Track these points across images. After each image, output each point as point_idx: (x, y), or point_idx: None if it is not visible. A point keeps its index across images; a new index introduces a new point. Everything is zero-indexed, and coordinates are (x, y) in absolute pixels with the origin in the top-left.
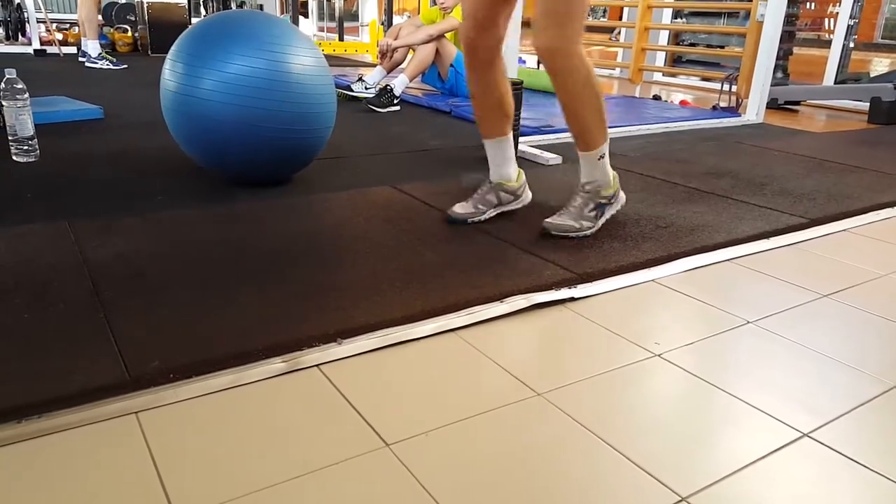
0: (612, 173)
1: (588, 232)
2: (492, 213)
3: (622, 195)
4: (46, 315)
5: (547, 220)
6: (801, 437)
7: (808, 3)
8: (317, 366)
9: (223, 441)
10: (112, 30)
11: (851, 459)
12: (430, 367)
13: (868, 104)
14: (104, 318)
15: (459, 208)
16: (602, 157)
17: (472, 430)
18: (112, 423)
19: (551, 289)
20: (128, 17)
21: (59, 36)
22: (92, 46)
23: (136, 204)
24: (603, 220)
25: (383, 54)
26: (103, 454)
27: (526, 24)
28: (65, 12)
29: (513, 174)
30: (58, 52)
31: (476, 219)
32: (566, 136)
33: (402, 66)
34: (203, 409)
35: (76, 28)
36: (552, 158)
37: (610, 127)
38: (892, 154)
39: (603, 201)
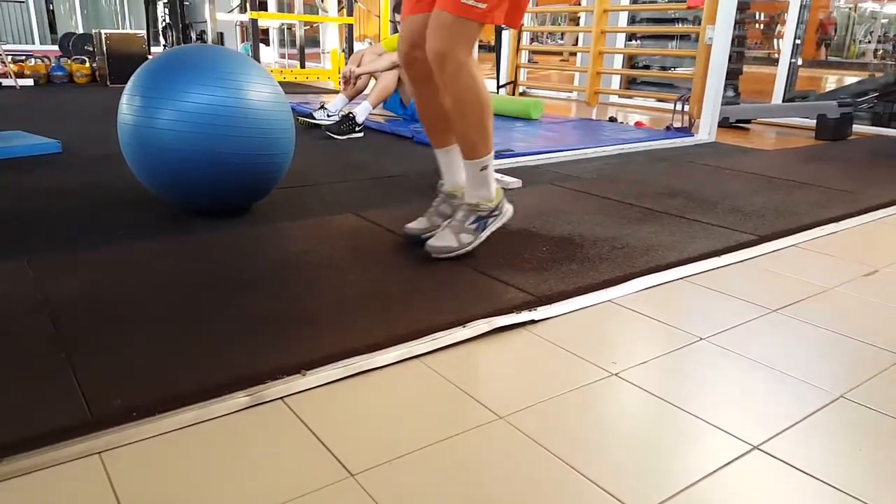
0: (495, 186)
1: (469, 248)
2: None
3: (508, 208)
4: (5, 355)
5: (428, 242)
6: (751, 449)
7: (756, 24)
8: (281, 398)
9: (188, 478)
10: (69, 61)
11: (799, 469)
12: (393, 395)
13: (815, 121)
14: (65, 358)
15: (415, 224)
16: (484, 168)
17: (436, 457)
18: (75, 464)
19: (512, 312)
20: (86, 48)
21: (15, 68)
22: None
23: (96, 238)
24: (486, 233)
25: (346, 81)
26: (67, 496)
27: (483, 47)
28: (19, 43)
29: (464, 181)
30: (14, 84)
31: (432, 234)
32: (526, 160)
33: (366, 92)
34: (167, 446)
35: (32, 60)
36: (513, 182)
37: (568, 150)
38: (838, 170)
39: (483, 213)
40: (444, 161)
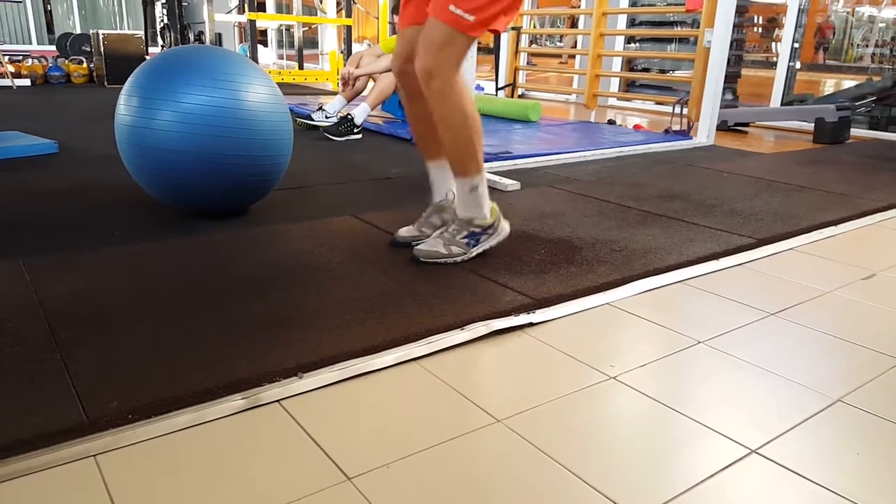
0: (488, 205)
1: (458, 259)
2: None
3: (505, 227)
4: (1, 358)
5: (416, 247)
6: (749, 453)
7: (755, 27)
8: (278, 401)
9: (183, 481)
10: (67, 61)
11: (796, 473)
12: (391, 398)
13: (813, 125)
14: (61, 360)
15: (405, 231)
16: (474, 189)
17: (433, 460)
18: (70, 466)
19: (510, 314)
20: (83, 49)
21: (12, 68)
22: None
23: (93, 239)
24: (479, 249)
25: (345, 82)
26: (62, 499)
27: (482, 49)
28: (16, 43)
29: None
30: (11, 84)
31: (420, 242)
32: (525, 162)
33: (364, 94)
34: (163, 449)
35: (29, 60)
36: (511, 184)
37: (567, 152)
38: (836, 173)
39: (476, 230)
40: (435, 175)
